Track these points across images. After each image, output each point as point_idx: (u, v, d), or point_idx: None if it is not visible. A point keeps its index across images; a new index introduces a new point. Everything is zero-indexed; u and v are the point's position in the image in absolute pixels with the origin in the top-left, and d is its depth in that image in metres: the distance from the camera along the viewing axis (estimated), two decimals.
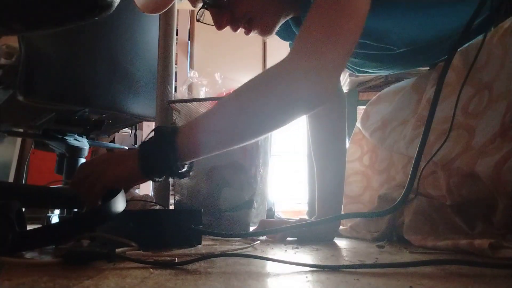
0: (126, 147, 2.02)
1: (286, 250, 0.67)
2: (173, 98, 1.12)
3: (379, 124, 1.00)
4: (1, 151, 1.83)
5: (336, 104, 0.98)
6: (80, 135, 1.59)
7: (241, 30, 0.82)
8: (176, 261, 0.49)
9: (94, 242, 0.72)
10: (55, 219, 1.43)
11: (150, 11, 0.93)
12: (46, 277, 0.41)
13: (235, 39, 2.29)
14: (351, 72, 1.07)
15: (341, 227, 1.00)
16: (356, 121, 1.14)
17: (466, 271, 0.45)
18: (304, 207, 1.65)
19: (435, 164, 0.75)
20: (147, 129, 2.27)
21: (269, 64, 2.82)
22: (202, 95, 1.09)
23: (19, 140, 1.82)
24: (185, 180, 1.05)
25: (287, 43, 1.05)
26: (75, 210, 0.80)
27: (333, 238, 0.91)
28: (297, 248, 0.71)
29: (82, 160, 1.58)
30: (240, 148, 1.01)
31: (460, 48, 0.76)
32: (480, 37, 0.70)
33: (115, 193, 0.60)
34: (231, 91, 0.67)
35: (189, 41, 2.51)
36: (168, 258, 0.51)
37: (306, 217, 1.16)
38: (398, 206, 0.61)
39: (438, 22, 0.79)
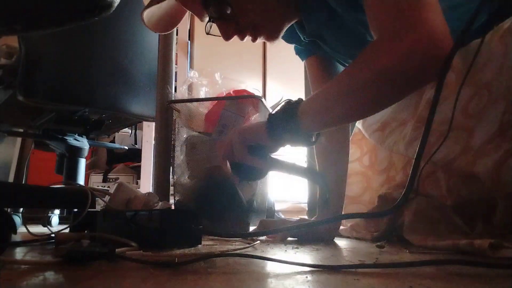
0: (126, 147, 2.02)
1: (286, 250, 0.67)
2: (173, 98, 1.12)
3: (378, 125, 1.00)
4: (1, 151, 1.83)
5: None
6: (80, 135, 1.59)
7: (248, 38, 0.84)
8: (176, 261, 0.49)
9: (94, 242, 0.72)
10: (54, 219, 1.43)
11: (161, 31, 0.96)
12: (46, 277, 0.41)
13: (235, 39, 2.28)
14: None
15: (341, 227, 1.00)
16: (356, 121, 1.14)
17: (466, 271, 0.45)
18: (304, 207, 1.65)
19: (435, 164, 0.75)
20: (147, 129, 2.27)
21: (269, 64, 2.80)
22: (202, 95, 1.09)
23: (19, 140, 1.82)
24: (185, 180, 1.05)
25: (287, 43, 1.05)
26: (75, 210, 0.80)
27: (333, 238, 0.91)
28: (297, 248, 0.71)
29: (82, 160, 1.58)
30: None
31: (460, 49, 0.76)
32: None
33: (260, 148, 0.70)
34: (345, 72, 0.66)
35: (189, 41, 2.51)
36: (168, 258, 0.51)
37: (306, 217, 1.16)
38: (398, 207, 0.61)
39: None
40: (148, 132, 2.26)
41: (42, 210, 1.45)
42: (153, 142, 2.12)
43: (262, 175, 0.73)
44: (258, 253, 0.62)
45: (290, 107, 0.68)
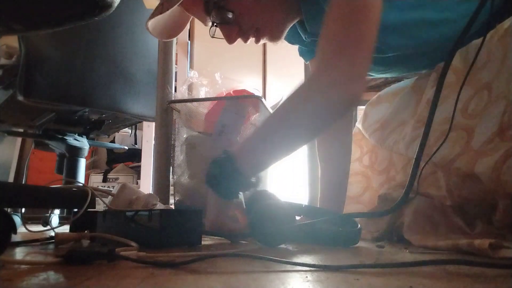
0: (126, 147, 2.02)
1: (286, 250, 0.67)
2: (173, 98, 1.12)
3: (378, 125, 1.00)
4: (1, 151, 1.83)
5: None
6: (80, 135, 1.59)
7: (252, 40, 0.86)
8: (176, 261, 0.49)
9: (94, 242, 0.72)
10: (55, 219, 1.43)
11: (166, 38, 0.98)
12: (46, 277, 0.41)
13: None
14: None
15: None
16: (356, 121, 1.14)
17: (466, 271, 0.45)
18: None
19: (435, 164, 0.75)
20: (147, 129, 2.27)
21: (269, 64, 2.80)
22: (202, 95, 1.09)
23: (19, 140, 1.82)
24: (185, 180, 1.05)
25: (287, 43, 1.06)
26: (75, 210, 0.80)
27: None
28: (297, 248, 0.71)
29: (82, 160, 1.58)
30: None
31: (460, 49, 0.76)
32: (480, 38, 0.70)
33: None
34: (272, 111, 0.75)
35: (189, 41, 2.51)
36: (168, 258, 0.51)
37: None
38: (398, 206, 0.61)
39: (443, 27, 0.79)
40: (148, 132, 2.26)
41: (42, 210, 1.45)
42: (153, 142, 2.12)
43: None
44: (258, 253, 0.62)
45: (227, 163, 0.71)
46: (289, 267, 0.48)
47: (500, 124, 0.66)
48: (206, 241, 0.80)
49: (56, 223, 1.41)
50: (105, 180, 2.53)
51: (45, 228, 1.22)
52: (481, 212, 0.71)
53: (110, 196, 0.86)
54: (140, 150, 2.30)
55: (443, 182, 0.75)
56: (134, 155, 2.55)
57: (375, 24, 0.66)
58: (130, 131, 2.64)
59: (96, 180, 2.54)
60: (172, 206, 1.07)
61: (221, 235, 0.80)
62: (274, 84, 2.58)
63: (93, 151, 2.81)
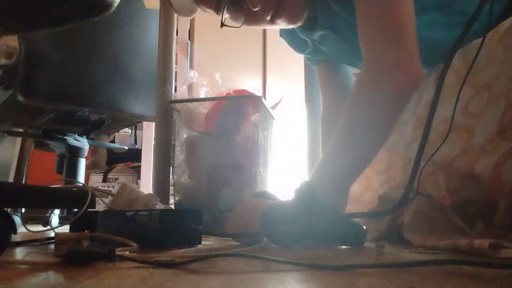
0: (126, 147, 2.02)
1: (286, 250, 0.67)
2: (173, 98, 1.12)
3: None
4: (1, 151, 1.83)
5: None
6: (80, 135, 1.59)
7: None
8: (176, 261, 0.49)
9: (94, 242, 0.72)
10: (55, 219, 1.43)
11: (186, 15, 0.98)
12: (46, 277, 0.41)
13: (235, 39, 2.28)
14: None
15: None
16: None
17: (466, 271, 0.45)
18: None
19: (435, 164, 0.75)
20: (147, 129, 2.26)
21: (269, 64, 2.80)
22: (202, 95, 1.09)
23: (19, 140, 1.82)
24: (185, 180, 1.05)
25: (287, 43, 1.06)
26: (75, 210, 0.80)
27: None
28: (297, 248, 0.71)
29: (82, 160, 1.58)
30: (240, 148, 1.02)
31: (460, 49, 0.76)
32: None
33: None
34: (340, 126, 0.72)
35: (189, 41, 2.50)
36: (168, 258, 0.51)
37: None
38: (398, 206, 0.61)
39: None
40: (148, 132, 2.25)
41: (42, 210, 1.44)
42: (153, 142, 2.12)
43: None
44: (258, 253, 0.62)
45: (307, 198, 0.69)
46: (289, 267, 0.48)
47: (500, 124, 0.66)
48: (206, 241, 0.80)
49: (56, 223, 1.41)
50: (105, 180, 2.53)
51: (45, 228, 1.22)
52: (481, 212, 0.71)
53: (110, 196, 0.86)
54: (140, 150, 2.30)
55: (443, 182, 0.75)
56: (134, 155, 2.55)
57: (410, 5, 0.68)
58: (130, 131, 2.64)
59: (96, 180, 2.54)
60: (172, 206, 1.07)
61: (221, 235, 0.80)
62: (274, 84, 2.58)
63: (93, 151, 2.81)
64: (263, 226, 0.69)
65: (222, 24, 0.84)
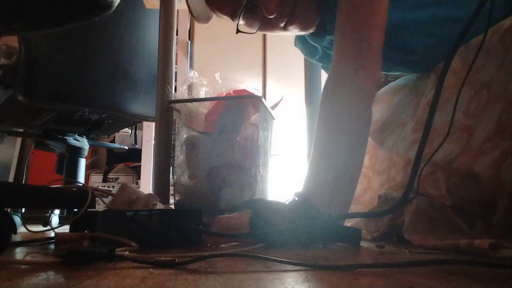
0: (126, 147, 2.02)
1: (286, 250, 0.67)
2: (173, 98, 1.12)
3: (377, 125, 1.00)
4: (1, 151, 1.83)
5: None
6: (80, 135, 1.59)
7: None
8: (176, 261, 0.49)
9: (94, 242, 0.72)
10: (55, 219, 1.43)
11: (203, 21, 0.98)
12: (46, 277, 0.41)
13: (235, 39, 2.28)
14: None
15: None
16: None
17: (466, 271, 0.45)
18: None
19: (435, 164, 0.74)
20: (147, 129, 2.27)
21: (269, 64, 2.80)
22: (202, 95, 1.09)
23: (19, 140, 1.82)
24: (185, 180, 1.05)
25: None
26: (75, 210, 0.80)
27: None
28: (297, 247, 0.71)
29: (82, 160, 1.58)
30: (240, 148, 1.02)
31: (459, 49, 0.76)
32: (480, 37, 0.70)
33: None
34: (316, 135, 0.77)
35: (189, 41, 2.51)
36: (168, 258, 0.51)
37: None
38: (398, 206, 0.61)
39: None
40: (148, 132, 2.26)
41: (42, 210, 1.44)
42: (153, 142, 2.12)
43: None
44: (258, 253, 0.62)
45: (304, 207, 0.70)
46: (289, 267, 0.48)
47: (499, 123, 0.66)
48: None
49: (56, 223, 1.41)
50: (105, 180, 2.53)
51: (45, 228, 1.22)
52: (481, 212, 0.71)
53: (110, 196, 0.86)
54: (140, 150, 2.30)
55: (443, 182, 0.75)
56: (134, 155, 2.55)
57: (383, 20, 0.72)
58: (130, 131, 2.64)
59: (96, 180, 2.54)
60: (172, 206, 1.07)
61: (221, 235, 0.80)
62: (274, 84, 2.58)
63: (93, 151, 2.81)
64: (250, 224, 0.71)
65: (238, 31, 0.85)
